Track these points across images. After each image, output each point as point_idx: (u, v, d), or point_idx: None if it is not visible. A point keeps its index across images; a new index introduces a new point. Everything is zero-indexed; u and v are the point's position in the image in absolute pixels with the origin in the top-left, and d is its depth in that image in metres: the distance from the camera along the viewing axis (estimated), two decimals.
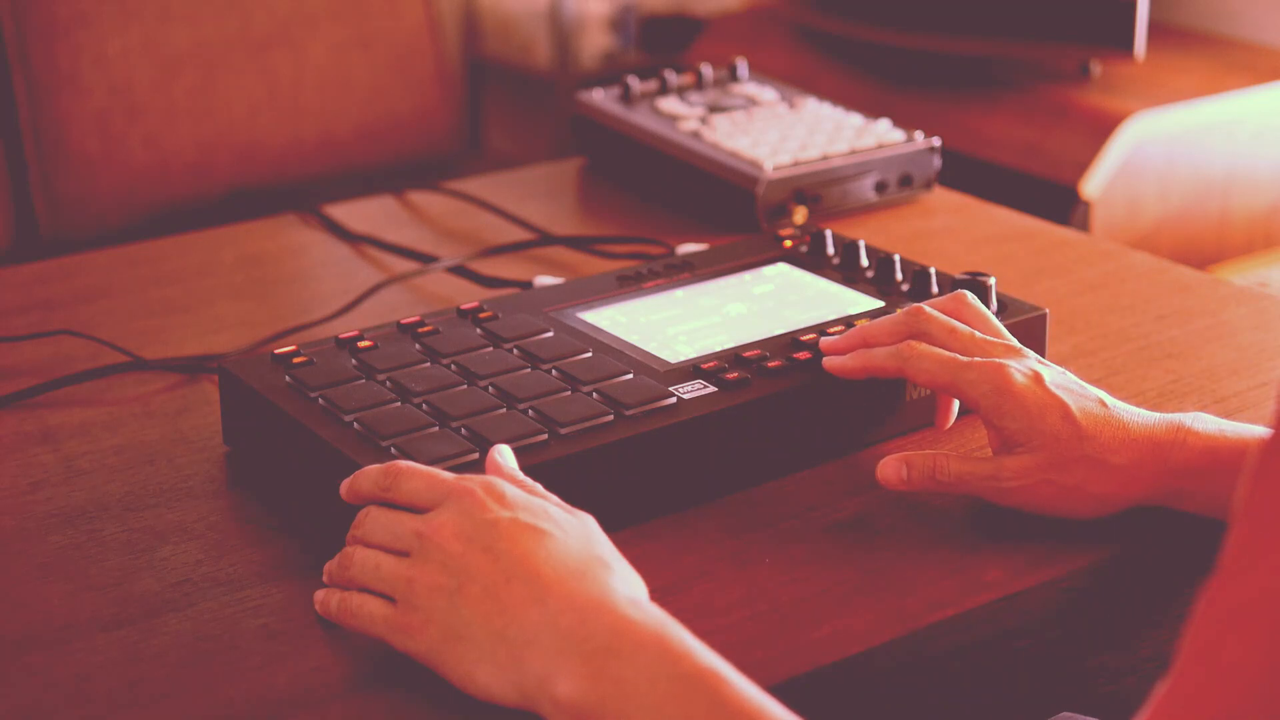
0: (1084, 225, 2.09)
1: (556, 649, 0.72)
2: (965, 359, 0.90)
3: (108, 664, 0.79)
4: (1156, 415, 0.89)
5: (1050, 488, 0.88)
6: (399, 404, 0.92)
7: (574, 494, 0.82)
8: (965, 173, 1.85)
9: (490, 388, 0.94)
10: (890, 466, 0.90)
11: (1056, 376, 0.89)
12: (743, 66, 1.58)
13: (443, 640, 0.75)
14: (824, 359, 0.95)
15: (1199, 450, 0.87)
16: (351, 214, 1.42)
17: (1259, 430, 0.88)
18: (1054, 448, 0.87)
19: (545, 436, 0.89)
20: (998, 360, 0.89)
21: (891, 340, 0.93)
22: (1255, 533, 0.58)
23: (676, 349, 1.00)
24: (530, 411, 0.91)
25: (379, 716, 0.76)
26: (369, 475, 0.82)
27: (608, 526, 0.80)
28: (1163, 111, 2.16)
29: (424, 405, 0.92)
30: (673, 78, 1.53)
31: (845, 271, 1.12)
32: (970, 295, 0.96)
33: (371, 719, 0.76)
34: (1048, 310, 1.06)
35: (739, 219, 1.34)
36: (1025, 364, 0.89)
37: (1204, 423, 0.88)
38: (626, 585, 0.75)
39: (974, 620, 0.84)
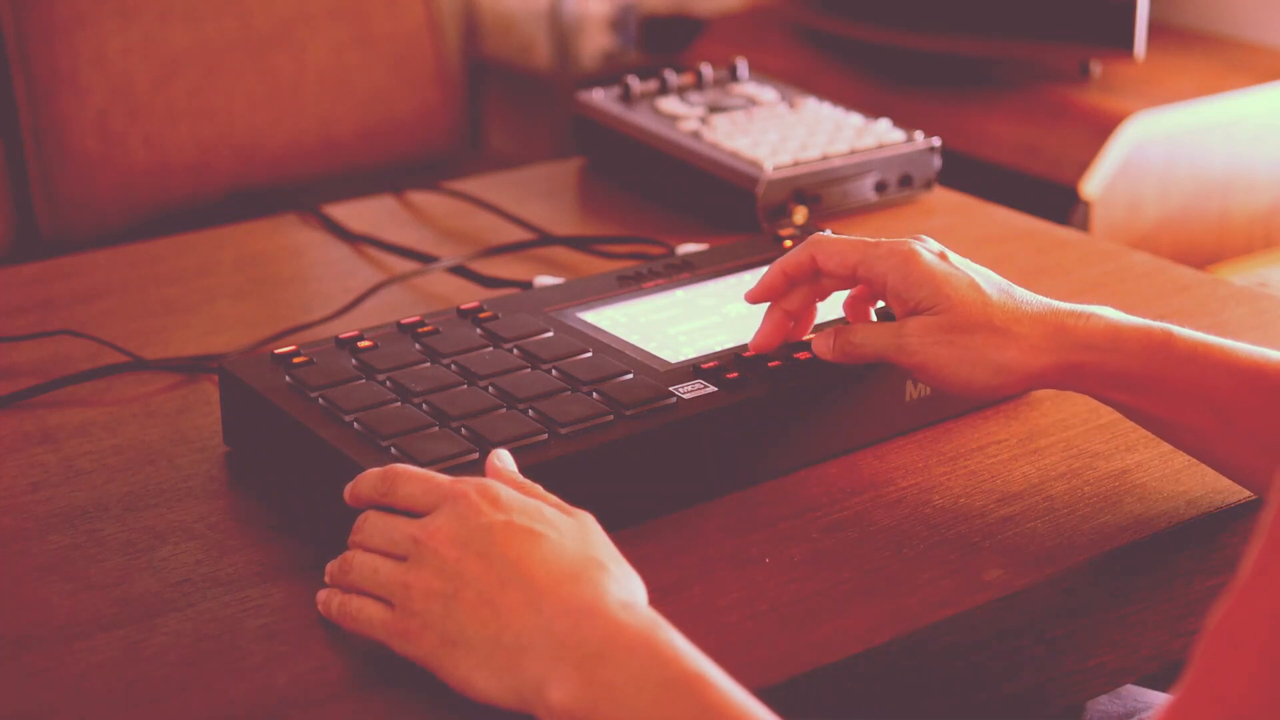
0: (1084, 225, 2.08)
1: (551, 655, 0.72)
2: (873, 240, 0.93)
3: (108, 664, 0.79)
4: (1063, 302, 0.92)
5: (951, 349, 0.89)
6: (399, 404, 0.92)
7: (574, 494, 0.82)
8: (965, 173, 1.85)
9: (490, 388, 0.94)
10: (819, 341, 0.94)
11: (962, 259, 0.93)
12: (743, 66, 1.58)
13: (440, 645, 0.75)
14: (812, 344, 0.96)
15: (1102, 329, 0.89)
16: (351, 214, 1.42)
17: (1162, 325, 0.89)
18: (958, 310, 0.90)
19: (545, 436, 0.89)
20: (905, 239, 0.94)
21: (795, 267, 0.95)
22: (1275, 551, 0.57)
23: (676, 349, 1.00)
24: (530, 411, 0.91)
25: (379, 716, 0.76)
26: (369, 479, 0.82)
27: (608, 526, 0.80)
28: (1163, 111, 2.16)
29: (424, 405, 0.92)
30: (673, 78, 1.53)
31: None
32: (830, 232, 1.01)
33: (371, 719, 0.76)
34: None
35: (739, 219, 1.34)
36: (932, 244, 0.94)
37: (1110, 310, 0.91)
38: (621, 587, 0.75)
39: (974, 620, 0.84)
